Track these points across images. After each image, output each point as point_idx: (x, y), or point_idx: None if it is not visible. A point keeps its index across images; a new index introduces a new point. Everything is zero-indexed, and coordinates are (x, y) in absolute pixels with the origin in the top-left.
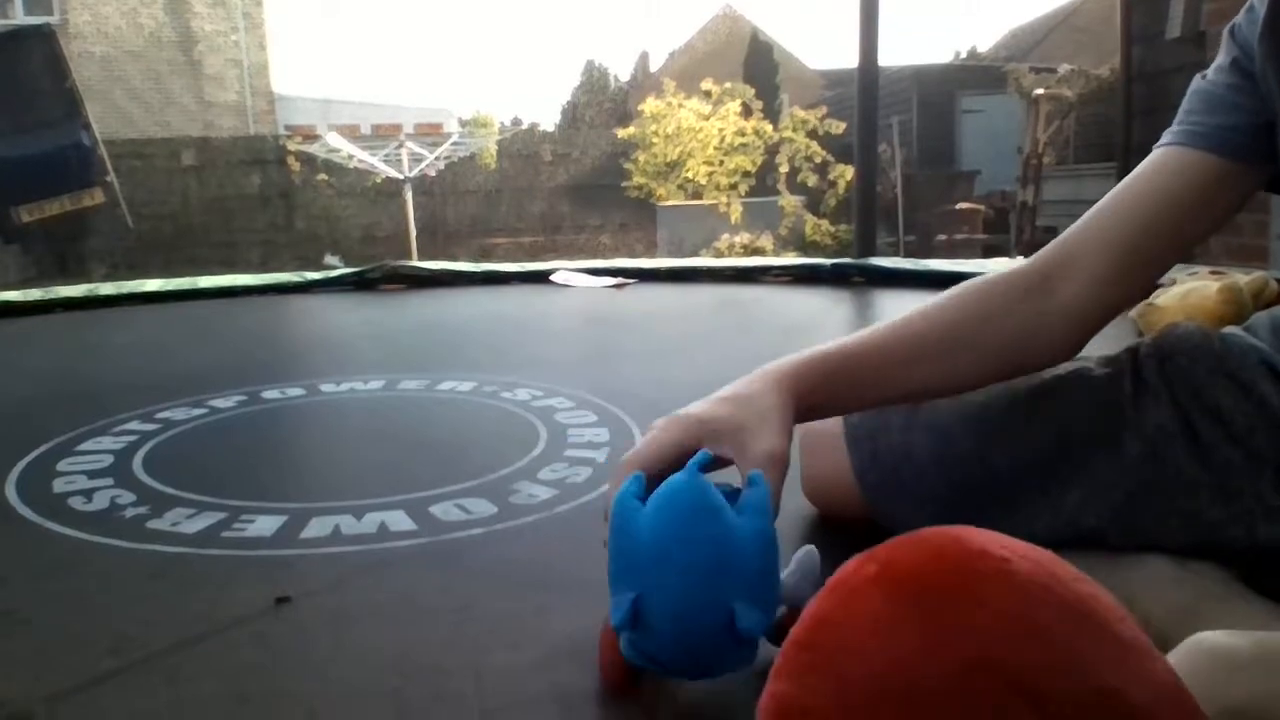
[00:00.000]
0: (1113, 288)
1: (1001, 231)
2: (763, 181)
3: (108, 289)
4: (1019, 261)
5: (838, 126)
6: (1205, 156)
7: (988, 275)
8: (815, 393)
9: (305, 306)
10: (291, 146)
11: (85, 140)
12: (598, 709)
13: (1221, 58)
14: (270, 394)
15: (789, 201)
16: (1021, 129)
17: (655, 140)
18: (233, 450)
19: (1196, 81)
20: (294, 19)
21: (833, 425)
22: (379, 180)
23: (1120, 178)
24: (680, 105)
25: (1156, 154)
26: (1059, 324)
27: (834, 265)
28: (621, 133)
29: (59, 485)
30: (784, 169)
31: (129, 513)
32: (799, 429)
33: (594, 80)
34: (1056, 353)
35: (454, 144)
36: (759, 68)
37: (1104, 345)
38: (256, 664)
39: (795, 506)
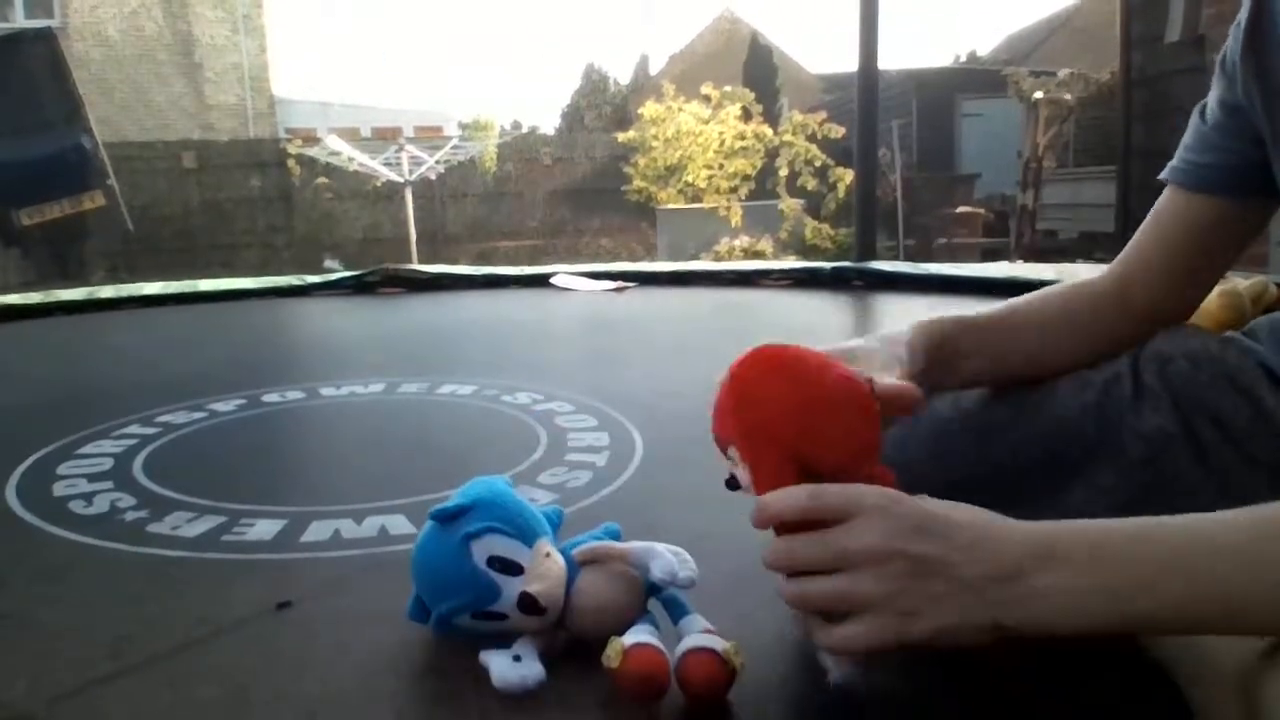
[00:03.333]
0: (1172, 300)
1: (1001, 235)
2: (762, 185)
3: (108, 292)
4: (1020, 266)
5: (837, 131)
6: (1200, 197)
7: (1074, 281)
8: (947, 344)
9: (305, 310)
10: (291, 149)
11: (85, 143)
12: (598, 710)
13: (1213, 94)
14: (270, 397)
15: (789, 205)
16: (1021, 133)
17: (655, 144)
18: (233, 454)
19: (1195, 115)
20: (294, 22)
21: None
22: (379, 183)
23: (1120, 181)
24: (680, 109)
25: (1165, 192)
26: (1141, 326)
27: (834, 269)
28: (621, 136)
29: (59, 489)
30: (784, 173)
31: (129, 516)
32: None
33: (594, 84)
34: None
35: (454, 147)
36: (759, 71)
37: None
38: (257, 666)
39: None
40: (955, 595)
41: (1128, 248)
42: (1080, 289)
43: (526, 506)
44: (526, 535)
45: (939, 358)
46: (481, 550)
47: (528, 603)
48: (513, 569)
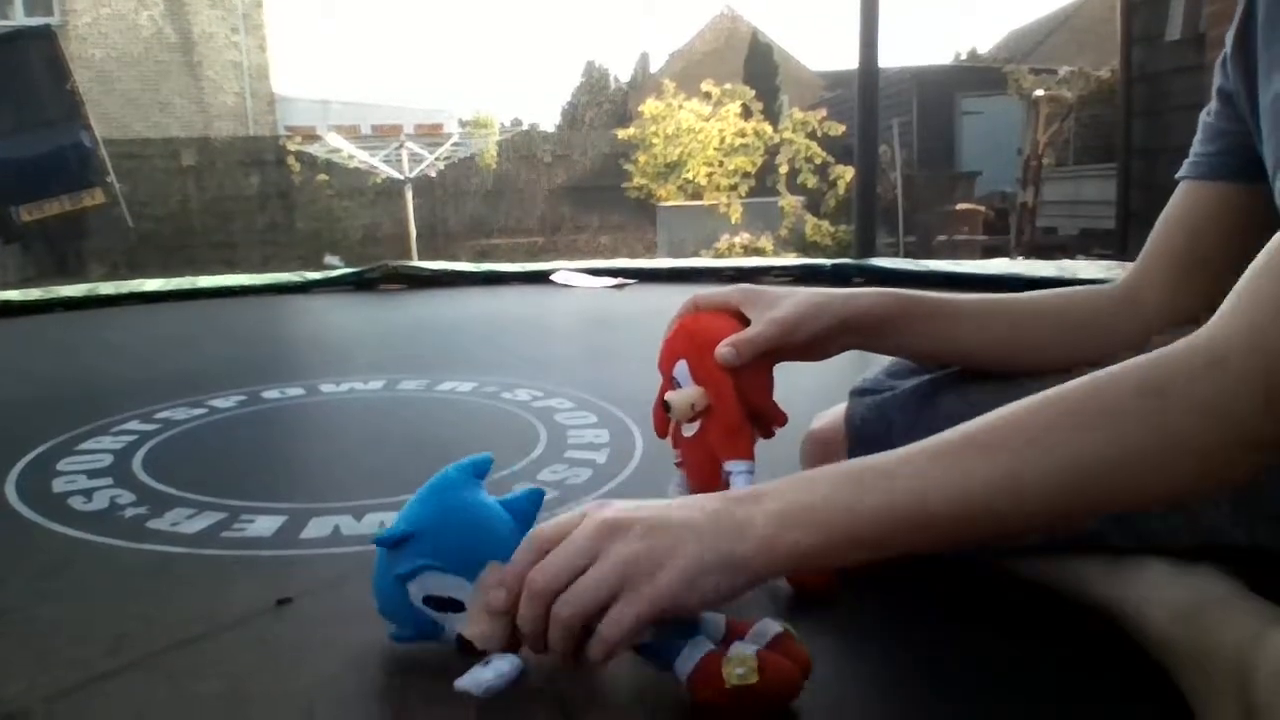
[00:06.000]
0: (1186, 298)
1: (1001, 232)
2: (763, 182)
3: (107, 289)
4: (1021, 263)
5: (837, 128)
6: (1210, 185)
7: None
8: (885, 323)
9: (305, 307)
10: (291, 147)
11: (85, 140)
12: (597, 710)
13: (1214, 86)
14: (270, 394)
15: (789, 202)
16: (1021, 130)
17: (655, 141)
18: (233, 450)
19: (1202, 115)
20: (294, 20)
21: (835, 432)
22: (379, 181)
23: (1120, 179)
24: (680, 106)
25: (1179, 187)
26: (1151, 329)
27: (834, 266)
28: (621, 134)
29: (59, 485)
30: (784, 170)
31: (129, 512)
32: (802, 437)
33: (594, 81)
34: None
35: (454, 144)
36: (759, 69)
37: None
38: (256, 664)
39: None
40: (684, 541)
41: (1138, 258)
42: (1084, 290)
43: (481, 524)
44: (470, 567)
45: (876, 330)
46: (417, 589)
47: (464, 645)
48: (452, 606)
